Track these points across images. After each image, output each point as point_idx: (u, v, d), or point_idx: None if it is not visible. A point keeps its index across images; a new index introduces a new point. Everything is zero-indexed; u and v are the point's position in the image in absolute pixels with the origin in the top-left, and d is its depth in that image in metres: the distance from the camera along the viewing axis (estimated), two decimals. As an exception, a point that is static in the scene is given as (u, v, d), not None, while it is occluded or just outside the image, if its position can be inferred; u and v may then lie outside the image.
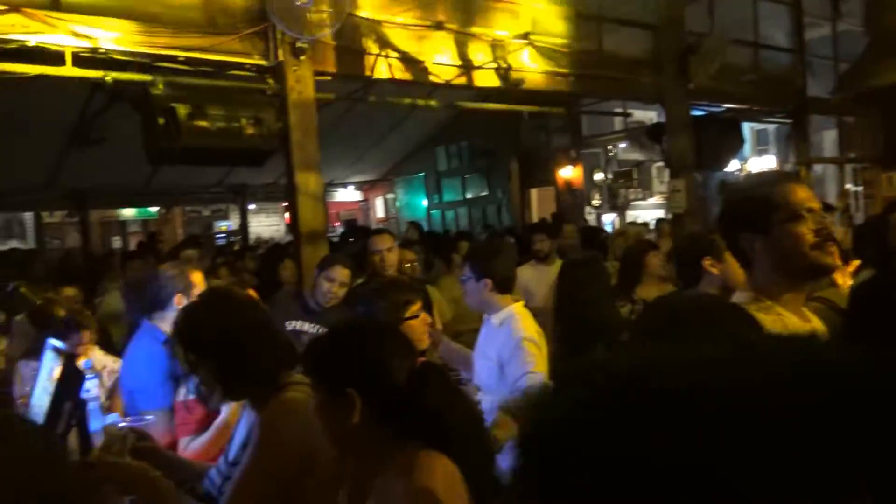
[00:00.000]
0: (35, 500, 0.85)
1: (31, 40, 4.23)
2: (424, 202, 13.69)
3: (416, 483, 1.41)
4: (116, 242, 13.66)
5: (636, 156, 12.81)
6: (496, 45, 6.37)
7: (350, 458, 1.61)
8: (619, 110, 10.56)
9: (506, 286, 2.94)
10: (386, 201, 15.04)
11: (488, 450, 1.63)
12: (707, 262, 2.69)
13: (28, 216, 12.50)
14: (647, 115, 10.90)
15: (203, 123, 4.55)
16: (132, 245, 11.48)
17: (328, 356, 1.54)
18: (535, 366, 2.74)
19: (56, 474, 0.91)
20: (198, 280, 2.92)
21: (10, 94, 6.57)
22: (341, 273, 3.57)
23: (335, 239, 11.07)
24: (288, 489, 1.72)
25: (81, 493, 0.99)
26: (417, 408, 1.49)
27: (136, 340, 2.93)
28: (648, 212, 13.50)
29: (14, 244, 11.52)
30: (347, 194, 15.11)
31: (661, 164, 11.64)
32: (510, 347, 2.77)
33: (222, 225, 14.58)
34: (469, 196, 12.82)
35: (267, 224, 14.70)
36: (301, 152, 5.04)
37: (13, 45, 4.17)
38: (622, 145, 12.71)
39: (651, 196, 14.16)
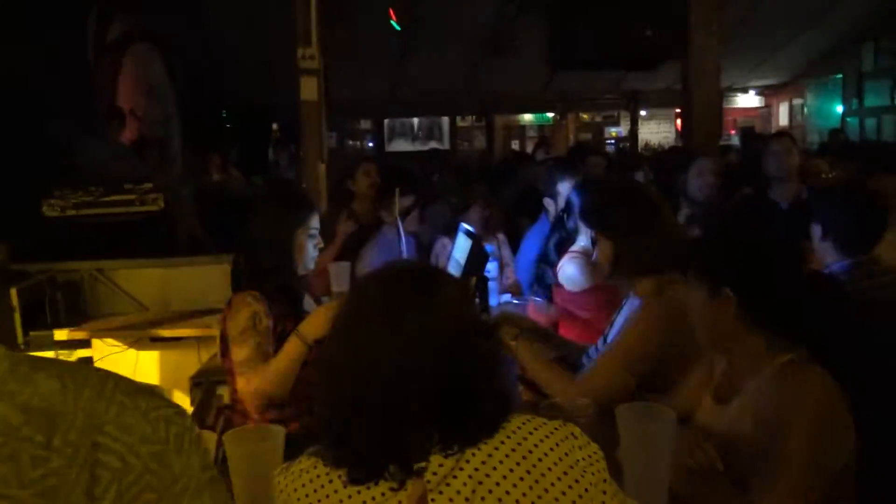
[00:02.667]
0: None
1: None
2: (840, 108, 12.01)
3: (792, 390, 1.37)
4: (515, 145, 14.75)
5: None
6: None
7: (724, 358, 1.62)
8: None
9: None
10: (791, 107, 13.56)
11: (875, 371, 1.49)
12: None
13: (445, 120, 14.18)
14: None
15: (603, 29, 4.62)
16: (528, 148, 12.30)
17: (713, 255, 1.53)
18: None
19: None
20: None
21: (434, 4, 7.44)
22: (714, 165, 3.51)
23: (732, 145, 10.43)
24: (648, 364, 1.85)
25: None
26: (801, 317, 1.44)
27: (533, 231, 3.25)
28: None
29: (433, 144, 13.22)
30: (747, 100, 14.00)
31: None
32: None
33: (612, 131, 14.74)
34: (899, 101, 10.88)
35: (657, 131, 14.45)
36: (699, 58, 4.80)
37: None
38: None
39: None
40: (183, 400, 3.06)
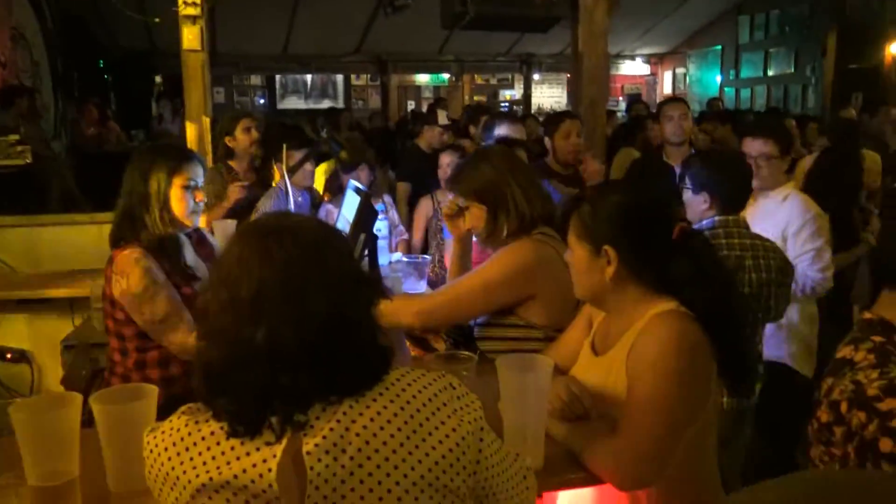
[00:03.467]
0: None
1: None
2: (718, 78, 12.63)
3: (661, 336, 1.45)
4: (411, 105, 14.65)
5: None
6: None
7: (600, 309, 1.69)
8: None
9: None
10: (675, 76, 14.14)
11: (740, 323, 1.60)
12: None
13: (339, 78, 13.87)
14: None
15: (494, -12, 4.61)
16: (424, 108, 12.26)
17: (592, 214, 1.58)
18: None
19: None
20: None
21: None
22: (570, 125, 3.58)
23: (619, 112, 10.78)
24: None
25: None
26: (674, 268, 1.52)
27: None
28: None
29: (327, 103, 12.93)
30: (634, 67, 14.46)
31: None
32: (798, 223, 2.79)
33: (507, 94, 14.89)
34: (771, 73, 11.54)
35: (549, 94, 14.71)
36: (589, 20, 4.89)
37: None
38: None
39: None
40: (54, 364, 2.90)
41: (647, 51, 13.86)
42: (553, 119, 3.77)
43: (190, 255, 2.17)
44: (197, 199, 2.11)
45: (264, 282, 1.04)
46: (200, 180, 2.13)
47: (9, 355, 2.96)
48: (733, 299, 1.57)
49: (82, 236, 4.02)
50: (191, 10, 4.14)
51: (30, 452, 1.24)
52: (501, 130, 3.34)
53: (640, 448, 1.39)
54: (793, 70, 11.00)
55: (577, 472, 1.48)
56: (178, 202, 2.07)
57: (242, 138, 3.69)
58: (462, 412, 1.09)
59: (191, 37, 4.17)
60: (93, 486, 1.32)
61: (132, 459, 1.27)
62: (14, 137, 4.64)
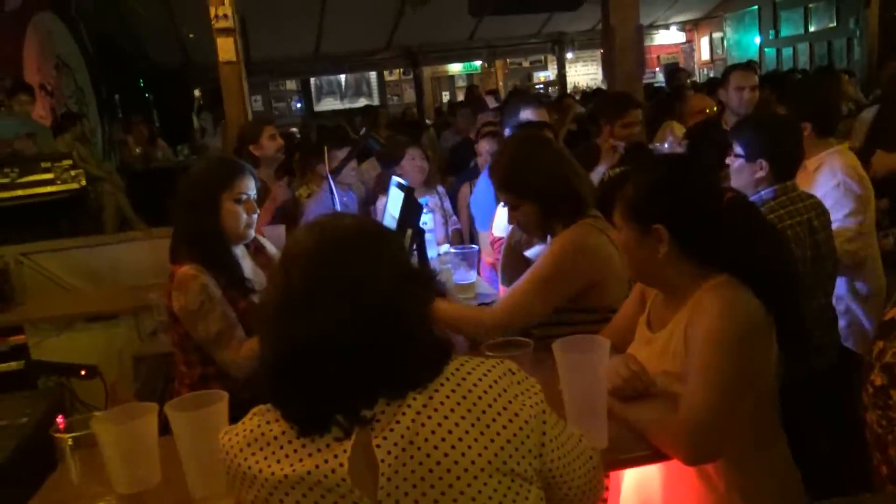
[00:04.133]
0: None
1: None
2: (757, 39, 12.28)
3: (717, 307, 1.44)
4: (445, 97, 14.64)
5: None
6: None
7: (653, 287, 1.69)
8: None
9: (825, 127, 2.70)
10: (712, 41, 13.81)
11: (794, 286, 1.58)
12: None
13: (373, 75, 13.95)
14: None
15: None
16: (459, 98, 12.24)
17: (638, 193, 1.57)
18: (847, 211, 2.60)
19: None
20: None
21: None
22: (635, 115, 3.47)
23: (657, 84, 10.59)
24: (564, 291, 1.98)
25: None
26: (726, 241, 1.51)
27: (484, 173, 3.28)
28: None
29: (363, 101, 13.02)
30: (669, 36, 14.18)
31: None
32: (825, 190, 2.62)
33: (541, 75, 14.76)
34: (813, 29, 11.17)
35: (584, 73, 14.54)
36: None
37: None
38: None
39: None
40: (127, 377, 3.01)
41: (680, 18, 13.57)
42: (612, 107, 3.57)
43: (248, 266, 2.20)
44: (249, 212, 2.12)
45: (318, 280, 1.07)
46: (253, 192, 2.13)
47: (83, 372, 3.07)
48: (786, 264, 1.55)
49: (138, 253, 4.15)
50: (224, 24, 4.24)
51: (114, 462, 1.31)
52: (526, 115, 3.28)
53: (700, 420, 1.39)
54: (835, 24, 10.64)
55: (641, 450, 1.48)
56: (232, 216, 2.08)
57: (268, 145, 3.63)
58: (523, 396, 1.10)
59: (226, 49, 4.26)
60: (176, 492, 1.38)
61: (210, 463, 1.33)
62: (68, 162, 4.80)
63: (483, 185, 3.23)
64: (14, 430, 2.56)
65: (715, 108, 3.89)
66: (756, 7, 12.07)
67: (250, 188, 2.12)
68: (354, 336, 1.05)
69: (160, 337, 2.83)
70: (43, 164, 4.72)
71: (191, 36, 8.00)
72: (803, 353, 1.60)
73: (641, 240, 1.56)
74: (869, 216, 2.70)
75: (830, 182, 2.66)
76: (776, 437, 1.57)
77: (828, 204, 2.49)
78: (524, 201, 2.07)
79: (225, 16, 4.21)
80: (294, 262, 1.11)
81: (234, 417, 1.20)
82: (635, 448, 1.49)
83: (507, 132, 3.25)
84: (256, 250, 2.28)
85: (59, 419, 2.85)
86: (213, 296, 2.02)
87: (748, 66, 4.07)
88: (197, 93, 11.91)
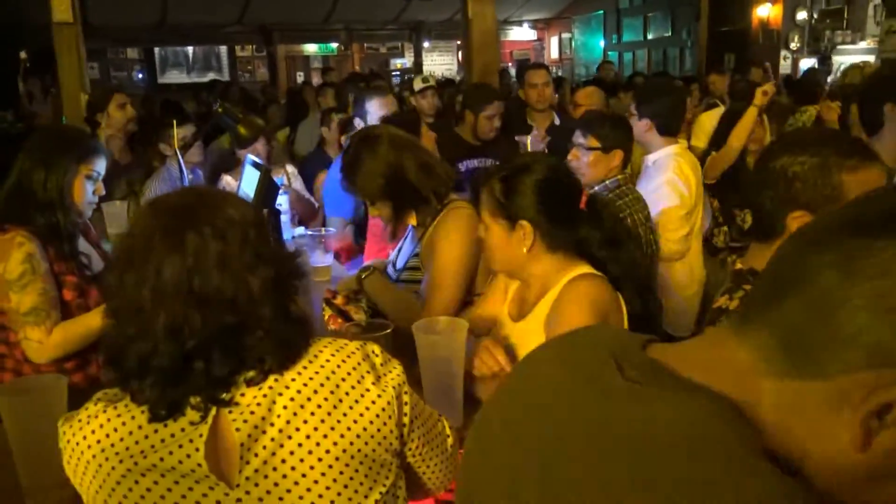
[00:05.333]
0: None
1: None
2: (602, 43, 13.03)
3: (575, 295, 1.55)
4: (300, 77, 14.30)
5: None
6: None
7: (515, 279, 1.76)
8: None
9: (669, 128, 2.90)
10: (561, 41, 14.46)
11: (645, 275, 1.72)
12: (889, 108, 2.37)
13: (223, 50, 13.36)
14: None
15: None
16: (314, 79, 12.00)
17: (506, 191, 1.64)
18: (670, 205, 2.77)
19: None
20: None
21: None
22: (498, 107, 3.62)
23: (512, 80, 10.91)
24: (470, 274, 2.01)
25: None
26: (584, 237, 1.62)
27: (337, 160, 3.23)
28: (854, 57, 11.96)
29: (212, 76, 12.44)
30: (522, 33, 14.68)
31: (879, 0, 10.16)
32: (653, 186, 2.81)
33: (398, 62, 14.79)
34: (651, 37, 12.01)
35: (440, 63, 14.73)
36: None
37: None
38: (835, -20, 11.14)
39: (862, 39, 12.48)
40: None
41: (532, 16, 14.09)
42: (477, 97, 3.70)
43: (82, 243, 2.10)
44: (96, 192, 2.07)
45: (170, 262, 1.02)
46: (102, 173, 2.08)
47: None
48: (636, 255, 1.68)
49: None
50: (60, -20, 3.90)
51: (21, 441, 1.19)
52: (373, 107, 3.25)
53: None
54: (670, 33, 11.50)
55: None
56: (80, 191, 2.02)
57: (117, 116, 3.44)
58: (384, 379, 1.11)
59: (62, 8, 3.92)
60: (5, 480, 1.27)
61: (44, 452, 1.24)
62: None
63: (335, 172, 3.20)
64: None
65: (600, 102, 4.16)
66: (602, 12, 12.78)
67: (103, 168, 2.08)
68: (204, 322, 1.01)
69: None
70: None
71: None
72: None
73: (507, 235, 1.63)
74: (694, 215, 2.94)
75: (662, 177, 2.86)
76: None
77: (657, 197, 2.73)
78: (374, 200, 2.09)
79: (61, -28, 3.88)
80: (147, 240, 1.05)
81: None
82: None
83: (356, 122, 3.22)
84: (84, 228, 2.17)
85: None
86: (36, 268, 1.89)
87: (538, 65, 4.54)
88: (23, 55, 10.83)
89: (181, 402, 1.02)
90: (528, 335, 1.62)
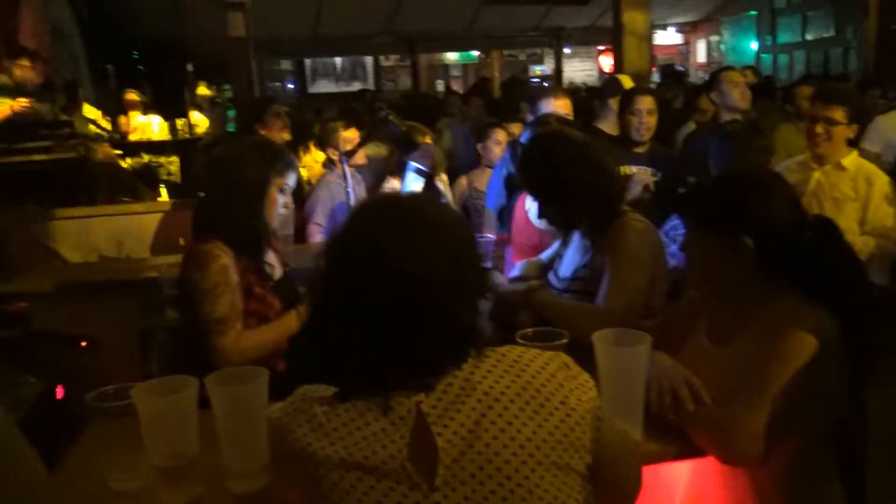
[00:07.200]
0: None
1: None
2: (754, 45, 12.38)
3: (796, 332, 1.42)
4: (440, 85, 14.60)
5: None
6: None
7: (716, 299, 1.64)
8: None
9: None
10: (709, 44, 13.89)
11: (871, 314, 1.55)
12: None
13: (369, 60, 13.87)
14: None
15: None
16: (454, 87, 12.19)
17: (723, 202, 1.55)
18: None
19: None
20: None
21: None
22: (648, 101, 3.38)
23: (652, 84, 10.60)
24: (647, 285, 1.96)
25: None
26: (807, 259, 1.48)
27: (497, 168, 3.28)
28: None
29: (358, 85, 12.94)
30: (667, 37, 14.24)
31: None
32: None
33: (537, 69, 14.77)
34: (809, 37, 11.27)
35: (580, 69, 14.56)
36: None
37: None
38: None
39: None
40: (130, 350, 2.97)
41: (679, 19, 13.62)
42: (626, 93, 3.54)
43: (269, 255, 2.18)
44: (286, 205, 2.14)
45: (384, 261, 1.05)
46: (293, 186, 2.14)
47: (83, 343, 3.03)
48: (864, 287, 1.53)
49: (133, 225, 4.09)
50: (235, -2, 4.19)
51: (152, 434, 1.29)
52: (547, 106, 3.25)
53: (748, 422, 1.39)
54: (833, 33, 10.74)
55: (671, 446, 1.48)
56: (272, 204, 2.08)
57: (274, 123, 3.59)
58: (578, 391, 1.10)
59: (236, 24, 4.20)
60: (212, 468, 1.36)
61: (248, 440, 1.31)
62: (66, 131, 4.71)
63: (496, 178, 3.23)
64: (18, 399, 2.53)
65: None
66: (755, 12, 12.15)
67: (293, 183, 2.14)
68: (414, 316, 1.05)
69: (167, 311, 2.79)
70: (41, 132, 4.63)
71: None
72: (868, 373, 1.53)
73: (718, 250, 1.53)
74: None
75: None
76: (822, 454, 1.56)
77: None
78: (550, 198, 2.07)
79: (237, -10, 4.16)
80: (361, 239, 1.09)
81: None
82: (665, 443, 1.49)
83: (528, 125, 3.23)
84: (270, 239, 2.27)
85: (60, 388, 2.80)
86: (229, 280, 1.99)
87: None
88: (189, 67, 11.73)
89: (385, 397, 1.05)
90: (732, 361, 1.51)
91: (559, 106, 3.17)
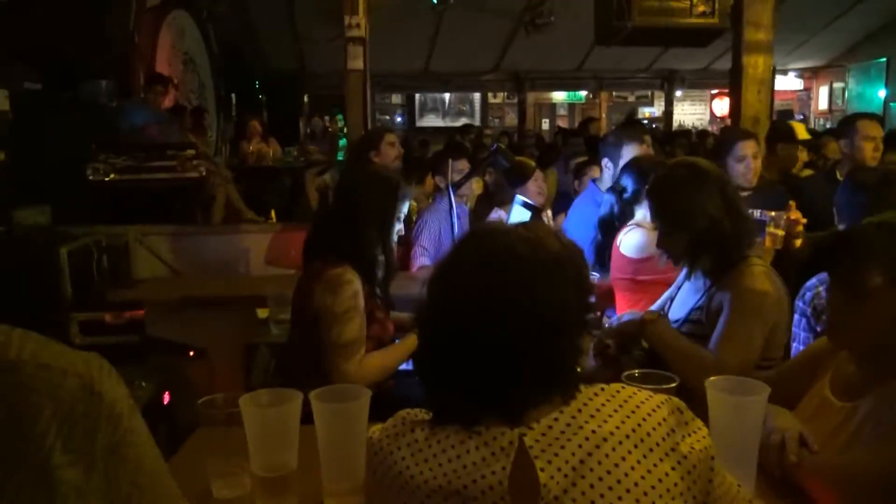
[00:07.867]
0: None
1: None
2: (882, 93, 11.72)
3: None
4: (545, 124, 14.61)
5: None
6: None
7: (860, 353, 1.50)
8: None
9: None
10: (832, 90, 13.27)
11: None
12: None
13: (476, 96, 14.06)
14: None
15: (653, 2, 4.49)
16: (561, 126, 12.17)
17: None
18: None
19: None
20: None
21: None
22: (751, 146, 3.24)
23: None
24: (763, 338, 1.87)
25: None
26: None
27: (579, 201, 3.22)
28: None
29: (464, 120, 13.13)
30: (786, 82, 13.71)
31: None
32: None
33: (646, 111, 14.54)
34: (946, 87, 10.60)
35: (691, 112, 14.23)
36: (754, 31, 4.67)
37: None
38: None
39: None
40: (236, 364, 3.08)
41: (800, 65, 13.13)
42: (729, 138, 3.39)
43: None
44: (398, 232, 2.23)
45: (492, 286, 1.04)
46: (406, 214, 2.25)
47: (191, 353, 3.17)
48: None
49: (244, 244, 4.28)
50: (355, 33, 4.34)
51: (255, 443, 1.31)
52: (628, 153, 3.13)
53: (877, 486, 1.28)
54: (970, 83, 10.07)
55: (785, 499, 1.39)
56: (392, 231, 2.19)
57: (388, 152, 3.70)
58: (691, 438, 1.04)
59: (356, 57, 4.35)
60: (309, 482, 1.37)
61: (347, 457, 1.32)
62: (191, 152, 5.00)
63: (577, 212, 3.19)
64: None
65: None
66: (884, 59, 11.54)
67: (404, 212, 2.24)
68: (523, 342, 1.03)
69: (272, 328, 2.88)
70: (168, 152, 4.94)
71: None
72: None
73: (888, 295, 1.37)
74: None
75: None
76: None
77: None
78: (676, 229, 1.99)
79: (358, 25, 4.31)
80: (469, 259, 1.09)
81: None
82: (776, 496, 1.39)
83: (604, 161, 3.18)
84: None
85: (167, 395, 2.92)
86: (358, 305, 2.03)
87: (873, 115, 3.88)
88: (305, 98, 12.27)
89: (488, 423, 1.03)
90: (852, 418, 1.40)
91: (640, 150, 3.09)
